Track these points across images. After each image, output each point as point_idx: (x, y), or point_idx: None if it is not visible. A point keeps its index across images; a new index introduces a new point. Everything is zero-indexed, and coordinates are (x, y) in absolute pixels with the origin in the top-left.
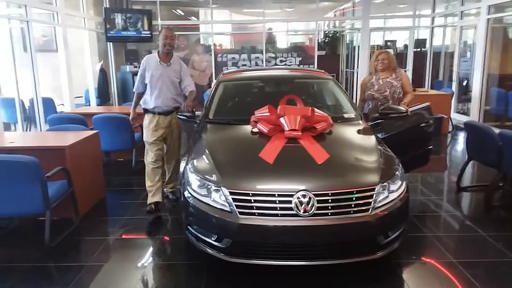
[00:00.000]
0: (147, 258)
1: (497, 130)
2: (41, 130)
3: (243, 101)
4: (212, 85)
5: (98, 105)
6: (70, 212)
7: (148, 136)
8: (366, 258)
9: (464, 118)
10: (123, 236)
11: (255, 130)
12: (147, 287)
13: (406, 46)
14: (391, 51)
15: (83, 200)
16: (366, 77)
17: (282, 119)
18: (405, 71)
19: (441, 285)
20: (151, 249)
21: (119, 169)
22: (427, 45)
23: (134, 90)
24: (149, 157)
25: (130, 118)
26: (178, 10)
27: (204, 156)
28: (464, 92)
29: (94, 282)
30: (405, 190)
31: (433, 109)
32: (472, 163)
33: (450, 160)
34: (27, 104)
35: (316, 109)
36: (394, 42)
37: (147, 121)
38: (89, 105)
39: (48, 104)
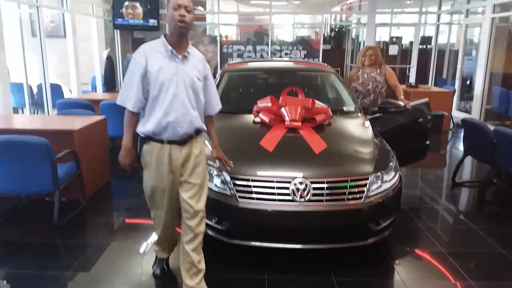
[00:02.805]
0: (150, 239)
1: (492, 127)
2: (48, 115)
3: (246, 91)
4: (217, 75)
5: (104, 92)
6: (77, 193)
7: (152, 179)
8: (358, 243)
9: (466, 116)
10: (127, 218)
11: (257, 119)
12: (150, 265)
13: (411, 43)
14: (395, 46)
15: (89, 182)
16: (353, 70)
17: (283, 110)
18: (409, 67)
19: (429, 274)
20: (154, 230)
21: None
22: (432, 42)
23: (126, 105)
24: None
25: (123, 156)
26: None
27: (206, 143)
28: (468, 90)
29: (99, 259)
30: (398, 181)
31: (434, 106)
32: (469, 160)
33: (449, 156)
34: (34, 90)
35: (316, 101)
36: (400, 38)
37: (150, 155)
38: (96, 92)
39: (56, 90)
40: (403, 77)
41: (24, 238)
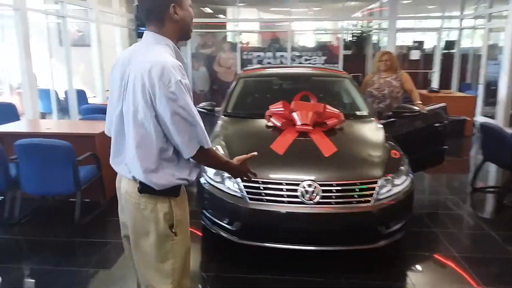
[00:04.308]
0: None
1: (510, 132)
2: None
3: (260, 97)
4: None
5: None
6: (98, 195)
7: (187, 240)
8: (367, 246)
9: (485, 121)
10: None
11: (270, 124)
12: None
13: (434, 47)
14: (417, 51)
15: (110, 184)
16: (368, 75)
17: (294, 114)
18: (431, 72)
19: (441, 278)
20: None
21: None
22: (455, 47)
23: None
24: None
25: (240, 170)
26: (206, 8)
27: (219, 147)
28: (492, 95)
29: (120, 257)
30: (409, 185)
31: (456, 111)
32: (491, 165)
33: (470, 162)
34: (61, 95)
35: (328, 106)
36: (422, 43)
37: (184, 210)
38: None
39: (81, 95)
40: (425, 82)
41: (47, 237)
